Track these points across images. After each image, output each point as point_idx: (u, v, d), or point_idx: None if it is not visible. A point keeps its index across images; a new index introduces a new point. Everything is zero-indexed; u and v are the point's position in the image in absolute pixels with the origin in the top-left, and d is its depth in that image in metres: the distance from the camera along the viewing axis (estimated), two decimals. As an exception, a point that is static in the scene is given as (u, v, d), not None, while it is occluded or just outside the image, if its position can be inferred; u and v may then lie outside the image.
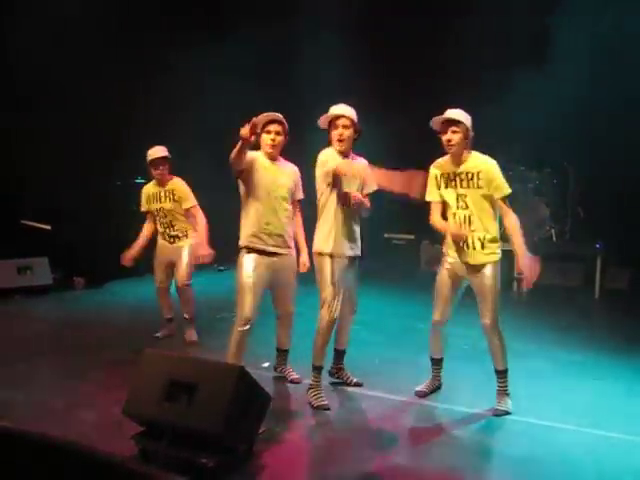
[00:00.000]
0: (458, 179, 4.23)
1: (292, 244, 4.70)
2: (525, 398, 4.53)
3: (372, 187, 4.44)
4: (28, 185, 8.78)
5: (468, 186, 4.20)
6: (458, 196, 4.25)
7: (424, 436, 3.93)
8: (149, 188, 6.00)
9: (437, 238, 10.28)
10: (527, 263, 4.08)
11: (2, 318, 6.84)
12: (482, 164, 4.19)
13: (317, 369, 4.41)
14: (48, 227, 8.87)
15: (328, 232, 4.37)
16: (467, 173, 4.20)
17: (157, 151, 5.83)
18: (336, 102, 4.47)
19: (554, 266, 9.76)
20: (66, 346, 5.75)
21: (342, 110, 4.36)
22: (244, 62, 9.91)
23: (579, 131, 9.12)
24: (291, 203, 4.68)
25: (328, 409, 4.28)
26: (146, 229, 6.04)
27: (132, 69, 9.29)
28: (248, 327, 4.37)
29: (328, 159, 4.30)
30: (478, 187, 4.17)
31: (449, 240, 4.37)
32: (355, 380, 4.82)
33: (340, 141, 4.32)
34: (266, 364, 5.07)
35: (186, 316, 5.99)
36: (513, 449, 3.74)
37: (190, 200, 5.84)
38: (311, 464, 3.48)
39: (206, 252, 5.40)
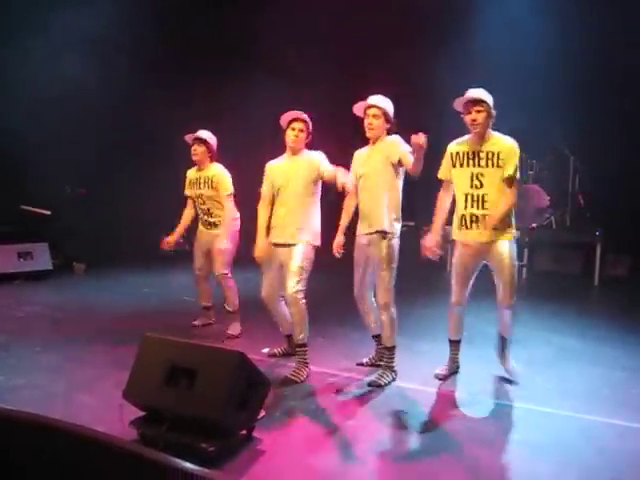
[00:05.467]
0: (478, 158, 4.26)
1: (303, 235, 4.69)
2: (523, 384, 4.55)
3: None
4: (29, 170, 8.78)
5: (487, 165, 4.24)
6: (474, 175, 4.26)
7: (421, 422, 3.94)
8: (191, 173, 5.84)
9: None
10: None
11: (2, 303, 6.85)
12: (503, 144, 4.25)
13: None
14: (48, 212, 8.87)
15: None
16: (488, 152, 4.24)
17: (197, 132, 5.70)
18: None
19: (554, 253, 9.78)
20: (66, 331, 5.77)
21: (374, 100, 4.50)
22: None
23: (580, 118, 9.11)
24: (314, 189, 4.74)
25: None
26: (186, 216, 5.92)
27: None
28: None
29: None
30: (498, 166, 4.22)
31: (458, 222, 4.42)
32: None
33: (369, 129, 4.49)
34: (266, 350, 5.09)
35: (228, 308, 5.76)
36: (511, 434, 3.76)
37: (226, 188, 5.62)
38: (310, 450, 3.49)
39: (222, 246, 5.43)
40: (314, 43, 10.15)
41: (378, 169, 4.49)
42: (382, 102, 4.50)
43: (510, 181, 4.24)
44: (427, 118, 8.51)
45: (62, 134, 8.97)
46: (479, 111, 4.19)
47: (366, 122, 4.50)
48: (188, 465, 1.41)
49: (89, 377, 4.52)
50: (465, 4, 10.03)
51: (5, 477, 1.57)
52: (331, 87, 9.58)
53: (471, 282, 4.51)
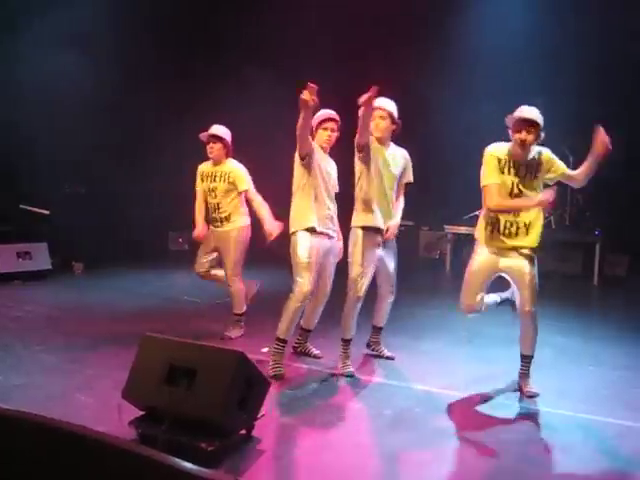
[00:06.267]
0: (518, 169, 4.28)
1: None
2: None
3: (409, 178, 4.90)
4: (28, 170, 8.78)
5: (526, 174, 4.28)
6: (514, 184, 4.28)
7: (422, 421, 3.94)
8: (204, 167, 5.72)
9: (436, 225, 10.35)
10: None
11: (1, 303, 6.84)
12: (539, 153, 4.32)
13: (345, 342, 4.80)
14: (47, 212, 8.87)
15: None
16: (529, 164, 4.28)
17: (212, 128, 5.62)
18: None
19: (553, 253, 9.79)
20: (65, 330, 5.76)
21: (379, 103, 4.59)
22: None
23: (578, 117, 9.10)
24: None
25: (352, 376, 4.66)
26: (199, 206, 5.72)
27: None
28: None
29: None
30: (536, 175, 4.29)
31: (489, 227, 4.41)
32: (388, 354, 5.17)
33: (377, 130, 4.63)
34: (265, 349, 5.08)
35: (233, 311, 5.73)
36: (511, 433, 3.76)
37: (245, 183, 5.57)
38: (310, 449, 3.49)
39: (276, 228, 5.29)
40: (313, 42, 10.14)
41: (398, 175, 4.78)
42: (388, 104, 4.66)
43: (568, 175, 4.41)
44: (421, 117, 8.58)
45: (61, 133, 8.96)
46: (530, 132, 4.16)
47: (373, 124, 4.59)
48: (187, 465, 1.40)
49: (88, 377, 4.51)
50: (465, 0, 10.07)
51: (4, 477, 1.57)
52: (331, 86, 9.59)
53: (484, 289, 4.47)
